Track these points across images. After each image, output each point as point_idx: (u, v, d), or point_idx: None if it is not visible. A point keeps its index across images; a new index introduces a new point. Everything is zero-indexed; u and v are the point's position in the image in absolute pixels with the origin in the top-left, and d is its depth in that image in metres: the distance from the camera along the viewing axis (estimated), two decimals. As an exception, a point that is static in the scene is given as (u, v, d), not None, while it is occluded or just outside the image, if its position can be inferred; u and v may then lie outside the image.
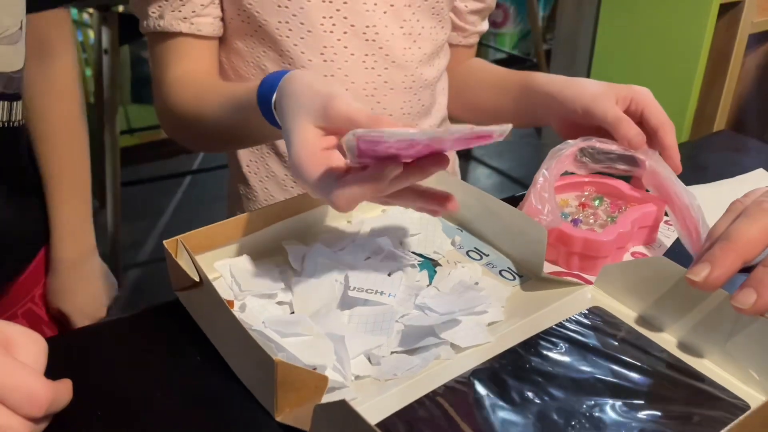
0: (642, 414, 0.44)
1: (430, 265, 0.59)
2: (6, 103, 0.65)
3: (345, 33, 0.72)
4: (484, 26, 0.89)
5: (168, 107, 0.74)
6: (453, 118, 0.92)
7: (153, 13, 0.71)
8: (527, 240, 0.57)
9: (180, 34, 0.71)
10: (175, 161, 2.85)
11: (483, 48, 3.49)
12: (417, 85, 0.78)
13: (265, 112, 0.57)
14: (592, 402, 0.45)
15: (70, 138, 0.78)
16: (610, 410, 0.44)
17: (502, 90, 0.84)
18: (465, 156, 2.88)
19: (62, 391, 0.43)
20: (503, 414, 0.44)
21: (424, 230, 0.63)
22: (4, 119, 0.66)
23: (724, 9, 1.28)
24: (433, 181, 0.67)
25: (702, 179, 0.77)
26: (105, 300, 0.83)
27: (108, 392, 0.47)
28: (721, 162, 0.85)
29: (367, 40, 0.73)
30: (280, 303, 0.54)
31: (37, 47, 0.70)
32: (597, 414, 0.44)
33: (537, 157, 2.52)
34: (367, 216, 0.66)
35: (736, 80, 1.34)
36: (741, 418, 0.39)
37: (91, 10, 2.35)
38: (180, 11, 0.70)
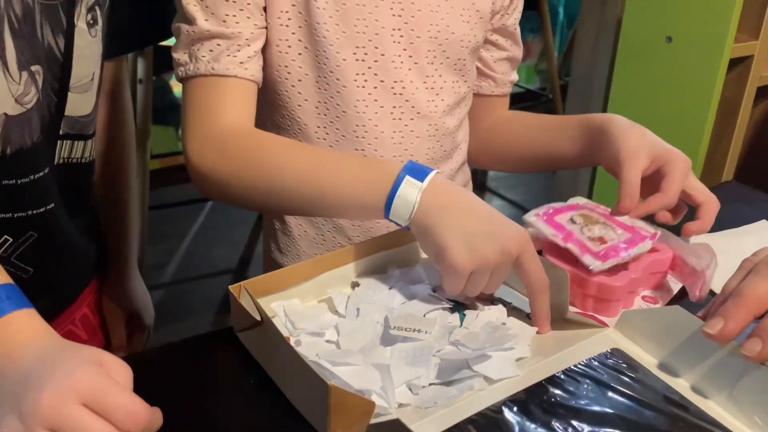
0: None
1: (460, 308, 0.65)
2: (68, 142, 0.72)
3: (375, 88, 0.79)
4: (515, 76, 0.94)
5: (223, 155, 0.72)
6: (478, 165, 0.99)
7: (204, 56, 0.72)
8: (551, 283, 0.62)
9: (234, 77, 0.73)
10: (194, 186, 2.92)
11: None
12: (440, 133, 0.85)
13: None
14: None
15: (126, 158, 0.89)
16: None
17: (558, 131, 0.86)
18: (480, 187, 2.94)
19: (157, 416, 0.48)
20: (530, 440, 0.50)
21: None
22: (65, 156, 0.73)
23: (733, 63, 1.34)
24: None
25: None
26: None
27: (169, 414, 0.50)
28: (726, 212, 0.90)
29: (395, 93, 0.80)
30: (328, 341, 0.60)
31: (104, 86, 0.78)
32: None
33: (550, 190, 2.58)
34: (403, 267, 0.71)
35: (744, 130, 1.40)
36: None
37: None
38: (236, 56, 0.72)
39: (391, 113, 0.80)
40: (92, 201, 0.84)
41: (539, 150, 0.90)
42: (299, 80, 0.78)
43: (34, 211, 0.70)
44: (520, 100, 3.39)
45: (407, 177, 0.62)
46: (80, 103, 0.72)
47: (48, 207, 0.71)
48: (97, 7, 0.70)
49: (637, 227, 0.69)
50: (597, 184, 1.72)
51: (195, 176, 0.74)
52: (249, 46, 0.74)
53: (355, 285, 0.68)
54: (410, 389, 0.55)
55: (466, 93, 0.88)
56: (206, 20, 0.72)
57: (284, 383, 0.56)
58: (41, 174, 0.69)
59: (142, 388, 0.49)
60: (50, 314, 0.79)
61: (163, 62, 2.25)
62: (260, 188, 0.71)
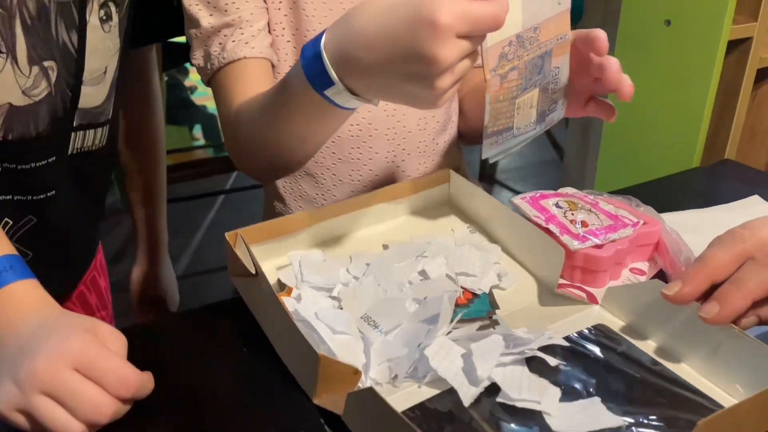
0: (630, 417, 0.50)
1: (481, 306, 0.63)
2: (81, 132, 0.75)
3: None
4: None
5: (238, 135, 0.74)
6: (467, 138, 0.99)
7: (215, 50, 0.75)
8: (546, 258, 0.64)
9: (243, 59, 0.75)
10: (208, 181, 2.95)
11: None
12: None
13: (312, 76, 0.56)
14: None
15: (156, 145, 0.93)
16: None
17: None
18: (489, 180, 2.95)
19: (147, 380, 0.51)
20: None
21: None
22: (78, 146, 0.75)
23: (732, 45, 1.34)
24: (467, 195, 0.75)
25: (701, 205, 0.84)
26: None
27: (169, 379, 0.54)
28: (723, 189, 0.91)
29: None
30: (333, 297, 0.61)
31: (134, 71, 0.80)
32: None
33: (559, 181, 2.58)
34: (438, 238, 0.70)
35: (745, 113, 1.40)
36: (710, 416, 0.44)
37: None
38: (240, 38, 0.75)
39: None
40: (102, 187, 0.86)
41: None
42: (296, 60, 0.80)
43: (34, 197, 0.72)
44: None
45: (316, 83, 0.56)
46: (93, 95, 0.74)
47: (48, 194, 0.73)
48: (111, 3, 0.72)
49: (621, 216, 0.70)
50: (599, 172, 1.73)
51: (239, 169, 0.78)
52: (252, 26, 0.76)
53: (385, 247, 0.69)
54: (390, 369, 0.55)
55: None
56: (210, 15, 0.75)
57: (275, 341, 0.58)
58: (44, 162, 0.71)
59: (137, 358, 0.51)
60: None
61: (176, 59, 2.29)
62: (269, 155, 0.72)
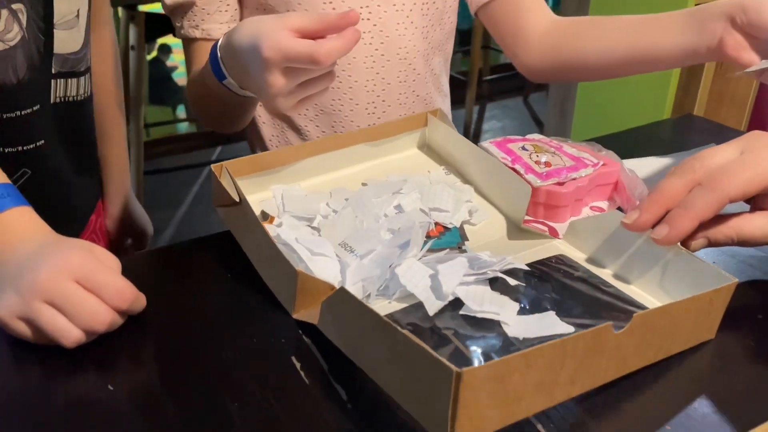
0: (581, 328, 0.53)
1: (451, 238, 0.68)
2: (62, 80, 0.76)
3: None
4: None
5: (190, 102, 0.87)
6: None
7: (177, 24, 0.83)
8: (514, 194, 0.69)
9: (194, 39, 0.84)
10: (192, 156, 2.97)
11: (490, 51, 3.60)
12: (411, 56, 0.90)
13: (213, 65, 0.70)
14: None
15: (113, 91, 0.94)
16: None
17: (655, 26, 0.82)
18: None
19: (141, 296, 0.55)
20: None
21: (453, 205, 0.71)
22: (60, 95, 0.77)
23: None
24: (443, 138, 0.79)
25: (660, 153, 0.88)
26: None
27: (159, 299, 0.59)
28: (685, 141, 0.96)
29: (362, 19, 0.85)
30: (312, 228, 0.66)
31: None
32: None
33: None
34: (414, 177, 0.74)
35: (712, 76, 1.44)
36: (646, 310, 0.49)
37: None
38: (192, 21, 0.83)
39: (362, 38, 0.85)
40: (93, 139, 0.88)
41: (626, 50, 0.85)
42: (266, 7, 0.84)
43: (24, 147, 0.74)
44: (508, 70, 3.43)
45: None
46: (68, 40, 0.75)
47: (38, 143, 0.75)
48: None
49: (583, 158, 0.75)
50: (573, 130, 1.78)
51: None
52: (203, 8, 0.82)
53: (364, 185, 0.73)
54: (363, 288, 0.59)
55: (436, 16, 0.91)
56: None
57: (257, 261, 0.62)
58: (29, 111, 0.72)
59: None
60: None
61: (158, 30, 2.31)
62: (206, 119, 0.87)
